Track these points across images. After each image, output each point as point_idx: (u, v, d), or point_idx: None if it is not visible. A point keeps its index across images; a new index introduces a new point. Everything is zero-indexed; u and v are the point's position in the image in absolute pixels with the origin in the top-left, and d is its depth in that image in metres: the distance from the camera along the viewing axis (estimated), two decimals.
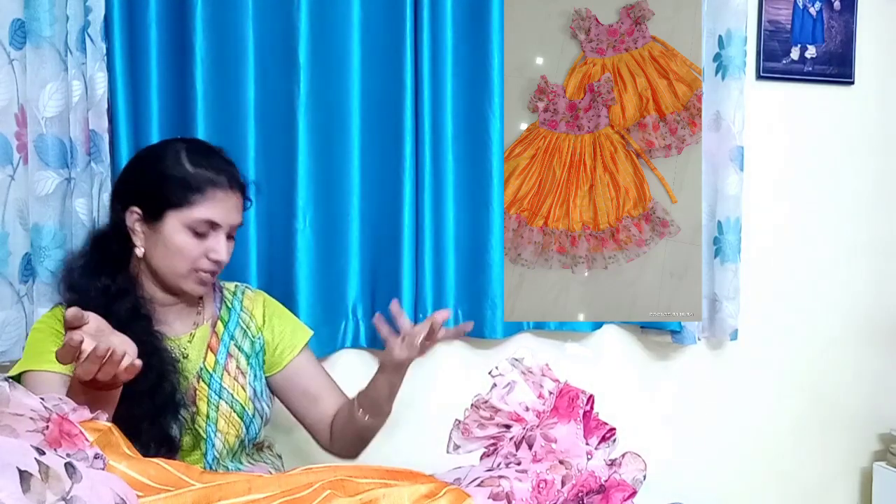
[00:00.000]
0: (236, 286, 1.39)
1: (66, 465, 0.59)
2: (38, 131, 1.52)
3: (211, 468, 1.20)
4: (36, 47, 1.51)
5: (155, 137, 1.61)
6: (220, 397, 1.23)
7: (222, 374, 1.25)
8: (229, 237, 1.22)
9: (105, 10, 1.54)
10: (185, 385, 1.21)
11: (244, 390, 1.26)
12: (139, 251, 1.20)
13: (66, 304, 1.16)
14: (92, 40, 1.52)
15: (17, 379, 1.17)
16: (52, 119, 1.52)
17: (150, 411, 1.12)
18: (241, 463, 1.29)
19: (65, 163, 1.55)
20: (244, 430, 1.25)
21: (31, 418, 0.67)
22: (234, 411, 1.24)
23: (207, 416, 1.22)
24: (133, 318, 1.15)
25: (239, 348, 1.29)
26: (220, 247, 1.18)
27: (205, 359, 1.25)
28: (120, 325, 1.07)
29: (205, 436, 1.21)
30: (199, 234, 1.17)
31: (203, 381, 1.23)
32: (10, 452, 0.56)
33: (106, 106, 1.55)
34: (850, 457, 2.26)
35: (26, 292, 1.56)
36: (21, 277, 1.55)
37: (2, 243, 1.53)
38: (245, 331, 1.32)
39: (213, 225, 1.18)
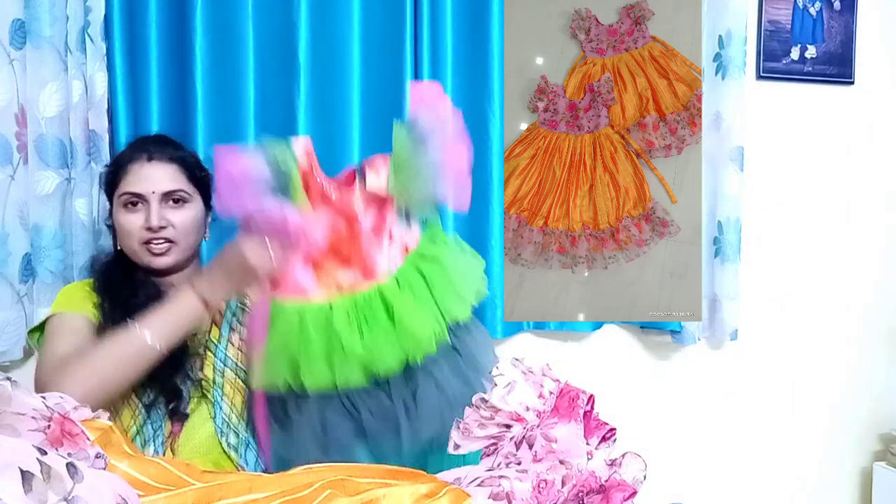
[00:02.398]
0: None
1: (67, 464, 0.59)
2: (38, 131, 1.52)
3: (222, 432, 1.24)
4: (36, 47, 1.51)
5: None
6: (224, 365, 1.29)
7: (227, 346, 1.31)
8: (177, 205, 1.26)
9: (105, 10, 1.54)
10: (194, 352, 1.28)
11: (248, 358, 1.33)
12: (118, 246, 1.29)
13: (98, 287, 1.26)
14: (92, 40, 1.52)
15: (41, 329, 1.25)
16: (52, 119, 1.52)
17: (163, 376, 1.19)
18: (251, 429, 1.32)
19: (65, 163, 1.55)
20: (248, 393, 1.30)
21: (33, 417, 0.67)
22: (239, 377, 1.29)
23: (214, 382, 1.27)
24: (153, 295, 1.24)
25: (241, 323, 1.35)
26: (151, 214, 1.23)
27: (209, 332, 1.31)
28: (148, 304, 1.19)
29: (213, 399, 1.26)
30: (132, 208, 1.24)
31: (209, 350, 1.30)
32: (11, 452, 0.56)
33: (106, 106, 1.55)
34: (850, 457, 2.26)
35: (26, 292, 1.56)
36: (21, 277, 1.55)
37: (2, 243, 1.53)
38: (244, 308, 1.39)
39: (139, 196, 1.24)
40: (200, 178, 1.30)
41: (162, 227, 1.23)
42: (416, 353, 1.10)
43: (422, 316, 1.11)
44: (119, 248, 1.29)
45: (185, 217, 1.27)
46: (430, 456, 1.10)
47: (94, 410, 1.08)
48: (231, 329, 1.33)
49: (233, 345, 1.32)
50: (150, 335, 1.10)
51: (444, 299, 1.13)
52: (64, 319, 1.22)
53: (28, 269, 1.56)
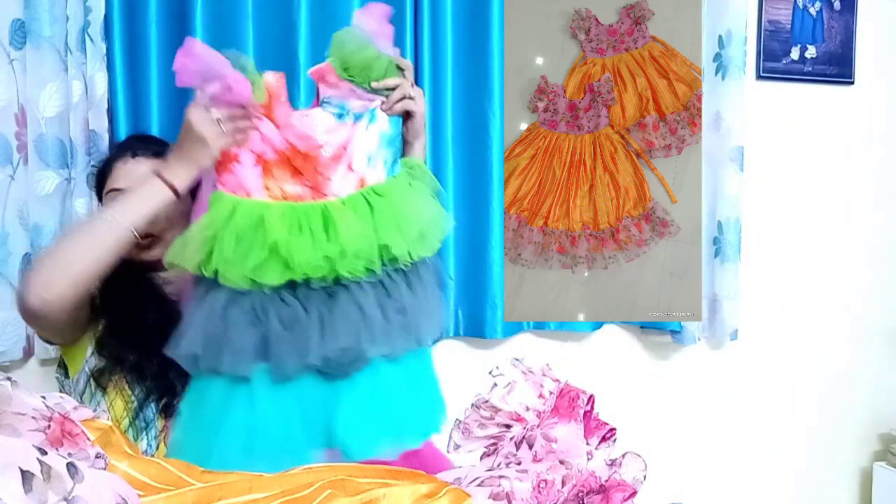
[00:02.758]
0: None
1: (67, 465, 0.59)
2: (38, 131, 1.52)
3: None
4: (36, 47, 1.51)
5: None
6: None
7: None
8: None
9: (105, 10, 1.54)
10: None
11: None
12: None
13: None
14: (92, 40, 1.52)
15: None
16: (52, 119, 1.52)
17: (156, 371, 1.19)
18: None
19: (65, 163, 1.55)
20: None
21: (33, 417, 0.67)
22: None
23: None
24: (154, 290, 1.25)
25: None
26: None
27: None
28: (143, 297, 1.21)
29: None
30: None
31: None
32: (12, 452, 0.56)
33: (106, 106, 1.55)
34: (850, 457, 2.26)
35: None
36: (21, 277, 1.55)
37: (2, 243, 1.53)
38: None
39: (123, 192, 1.21)
40: None
41: None
42: (342, 267, 1.04)
43: (357, 234, 1.05)
44: None
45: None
46: (338, 381, 1.06)
47: (68, 301, 1.05)
48: None
49: None
50: (113, 214, 1.08)
51: (383, 231, 1.07)
52: None
53: (28, 270, 1.56)
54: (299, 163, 1.07)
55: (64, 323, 1.14)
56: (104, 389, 1.19)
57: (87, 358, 1.22)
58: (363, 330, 1.05)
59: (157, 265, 1.28)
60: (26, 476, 0.54)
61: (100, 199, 1.30)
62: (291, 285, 1.04)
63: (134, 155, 1.27)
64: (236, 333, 1.03)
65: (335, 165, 1.08)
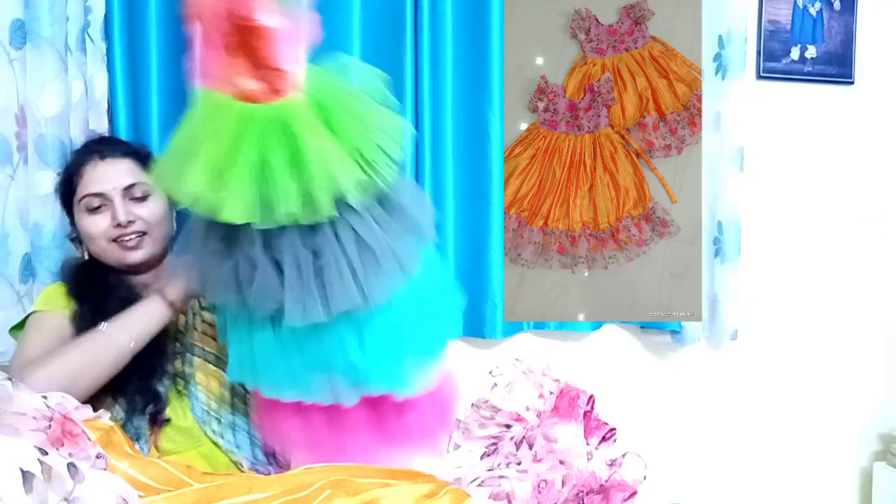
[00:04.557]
0: None
1: (68, 465, 0.59)
2: (38, 131, 1.52)
3: (204, 421, 1.22)
4: (36, 47, 1.51)
5: (155, 137, 1.61)
6: (192, 354, 1.27)
7: (192, 332, 1.29)
8: (141, 199, 1.24)
9: (105, 10, 1.54)
10: (171, 352, 1.27)
11: (214, 340, 1.28)
12: (85, 255, 1.27)
13: (71, 291, 1.25)
14: (92, 40, 1.52)
15: (22, 326, 1.24)
16: (52, 119, 1.52)
17: (139, 380, 1.19)
18: (236, 410, 1.28)
19: (65, 163, 1.55)
20: (223, 376, 1.27)
21: (34, 417, 0.67)
22: (209, 361, 1.27)
23: (184, 373, 1.25)
24: (126, 297, 1.22)
25: (202, 308, 1.31)
26: (117, 211, 1.21)
27: (177, 321, 1.28)
28: (118, 306, 1.18)
29: (187, 392, 1.24)
30: (96, 210, 1.23)
31: (178, 341, 1.28)
32: (12, 452, 0.56)
33: (106, 106, 1.55)
34: (850, 457, 2.26)
35: (26, 292, 1.56)
36: (21, 277, 1.55)
37: (2, 243, 1.53)
38: None
39: (101, 195, 1.22)
40: None
41: (131, 222, 1.22)
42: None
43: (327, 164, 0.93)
44: (87, 256, 1.27)
45: (152, 209, 1.25)
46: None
47: None
48: (194, 314, 1.30)
49: (197, 329, 1.30)
50: (112, 329, 1.11)
51: (343, 151, 0.94)
52: (42, 319, 1.21)
53: (28, 269, 1.56)
54: (254, 42, 0.88)
55: None
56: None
57: None
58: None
59: (140, 268, 1.27)
60: (27, 476, 0.54)
61: (69, 209, 1.27)
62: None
63: (102, 157, 1.24)
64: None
65: (290, 49, 0.91)
